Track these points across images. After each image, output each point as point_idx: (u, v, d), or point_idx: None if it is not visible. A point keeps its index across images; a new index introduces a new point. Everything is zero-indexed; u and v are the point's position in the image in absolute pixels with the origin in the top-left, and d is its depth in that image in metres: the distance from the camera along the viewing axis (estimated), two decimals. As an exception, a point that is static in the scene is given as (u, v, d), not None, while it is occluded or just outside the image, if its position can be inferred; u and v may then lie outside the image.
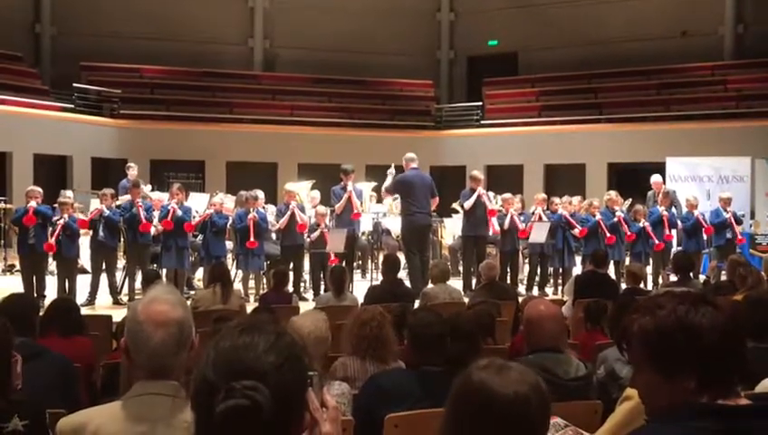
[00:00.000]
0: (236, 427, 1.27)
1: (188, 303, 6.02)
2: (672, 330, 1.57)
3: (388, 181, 10.74)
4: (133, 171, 13.35)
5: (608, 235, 10.89)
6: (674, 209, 11.82)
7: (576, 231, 11.08)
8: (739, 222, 11.91)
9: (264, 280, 10.51)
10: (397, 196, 12.03)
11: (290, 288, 9.12)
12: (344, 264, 9.68)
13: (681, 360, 1.57)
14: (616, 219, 11.07)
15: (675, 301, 1.61)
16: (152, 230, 10.16)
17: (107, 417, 2.00)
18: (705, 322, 1.56)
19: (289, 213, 10.46)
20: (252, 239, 10.10)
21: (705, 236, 11.69)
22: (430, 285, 8.13)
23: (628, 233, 11.06)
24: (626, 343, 1.66)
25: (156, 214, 10.26)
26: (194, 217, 10.43)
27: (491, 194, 11.45)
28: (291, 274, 10.03)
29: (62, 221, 9.36)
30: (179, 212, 10.02)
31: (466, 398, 1.62)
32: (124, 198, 10.98)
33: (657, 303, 1.62)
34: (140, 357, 2.03)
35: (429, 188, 10.36)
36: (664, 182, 13.31)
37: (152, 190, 13.35)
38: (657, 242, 11.09)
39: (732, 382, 1.57)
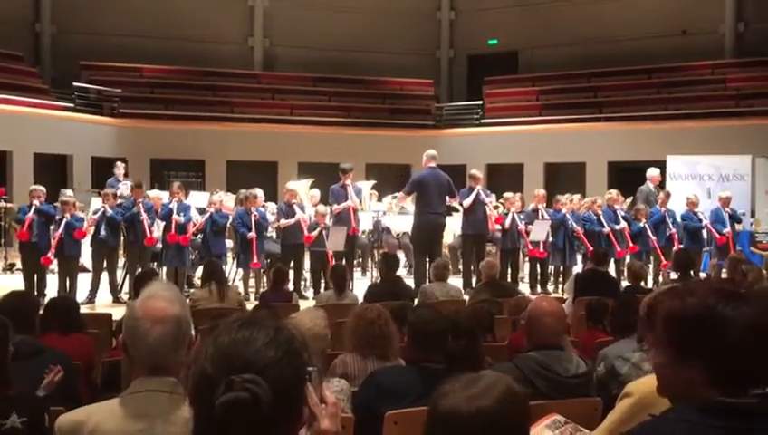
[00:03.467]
0: (236, 420, 1.27)
1: (187, 301, 6.01)
2: (698, 318, 1.57)
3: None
4: (120, 170, 13.45)
5: (618, 250, 10.92)
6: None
7: (578, 233, 11.08)
8: (738, 221, 11.90)
9: (265, 278, 10.51)
10: (396, 195, 12.06)
11: (290, 286, 9.13)
12: (344, 262, 9.68)
13: (700, 350, 1.56)
14: (619, 227, 11.07)
15: (708, 290, 1.59)
16: (155, 239, 10.21)
17: (106, 414, 2.00)
18: (732, 316, 1.54)
19: (294, 220, 10.46)
20: (255, 260, 10.12)
21: (705, 235, 11.69)
22: (428, 283, 8.13)
23: (631, 245, 11.04)
24: (650, 322, 1.66)
25: (156, 218, 10.28)
26: (194, 222, 10.48)
27: (487, 191, 11.42)
28: (291, 272, 10.04)
29: (60, 231, 9.38)
30: (182, 220, 10.04)
31: (440, 428, 1.60)
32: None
33: (690, 289, 1.61)
34: (139, 354, 2.03)
35: (445, 188, 10.17)
36: (663, 178, 13.30)
37: (149, 189, 13.39)
38: (663, 261, 11.02)
39: (748, 381, 1.54)
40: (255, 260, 10.12)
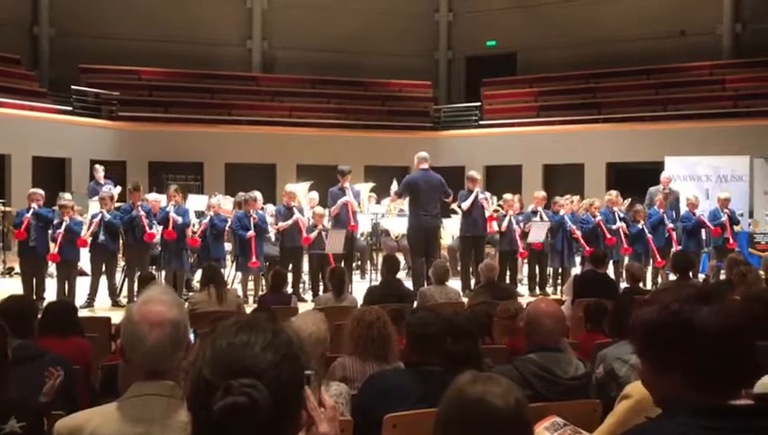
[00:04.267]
0: (234, 425, 1.26)
1: (185, 305, 6.00)
2: (665, 325, 1.57)
3: (395, 185, 10.67)
4: (100, 173, 13.56)
5: (608, 236, 10.84)
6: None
7: (575, 235, 11.07)
8: (736, 222, 11.90)
9: (264, 281, 10.51)
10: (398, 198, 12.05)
11: (289, 289, 9.12)
12: (343, 264, 9.68)
13: (673, 356, 1.57)
14: (615, 227, 11.03)
15: (677, 296, 1.59)
16: (156, 238, 10.19)
17: (104, 418, 2.00)
18: (703, 320, 1.54)
19: (292, 221, 10.47)
20: (254, 259, 10.11)
21: (704, 236, 11.70)
22: (427, 286, 8.13)
23: (626, 246, 11.00)
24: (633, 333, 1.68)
25: (154, 219, 10.26)
26: (192, 226, 10.49)
27: (487, 195, 11.43)
28: (290, 275, 10.04)
29: (61, 230, 9.37)
30: (179, 220, 10.04)
31: (465, 413, 1.65)
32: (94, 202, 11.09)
33: (659, 296, 1.62)
34: (136, 358, 2.03)
35: (437, 189, 10.14)
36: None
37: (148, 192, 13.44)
38: (658, 259, 11.02)
39: (732, 382, 1.54)
40: (254, 259, 10.11)
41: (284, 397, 1.31)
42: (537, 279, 11.24)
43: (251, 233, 10.12)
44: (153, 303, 2.06)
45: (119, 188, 13.05)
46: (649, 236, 11.09)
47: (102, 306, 9.61)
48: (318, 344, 3.66)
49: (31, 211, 9.43)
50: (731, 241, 11.37)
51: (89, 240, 9.78)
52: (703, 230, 11.66)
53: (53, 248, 9.42)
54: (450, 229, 12.71)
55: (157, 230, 10.21)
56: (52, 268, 10.46)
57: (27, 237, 9.38)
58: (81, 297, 9.50)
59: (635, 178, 15.57)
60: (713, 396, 1.52)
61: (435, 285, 7.68)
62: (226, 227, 10.61)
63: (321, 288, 10.07)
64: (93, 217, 10.15)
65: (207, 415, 1.27)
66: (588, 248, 10.71)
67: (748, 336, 1.58)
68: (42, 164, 16.75)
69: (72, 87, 18.30)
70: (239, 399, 1.26)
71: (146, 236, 9.90)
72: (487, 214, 10.93)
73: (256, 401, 1.26)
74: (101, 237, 9.73)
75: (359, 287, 10.02)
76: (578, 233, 11.05)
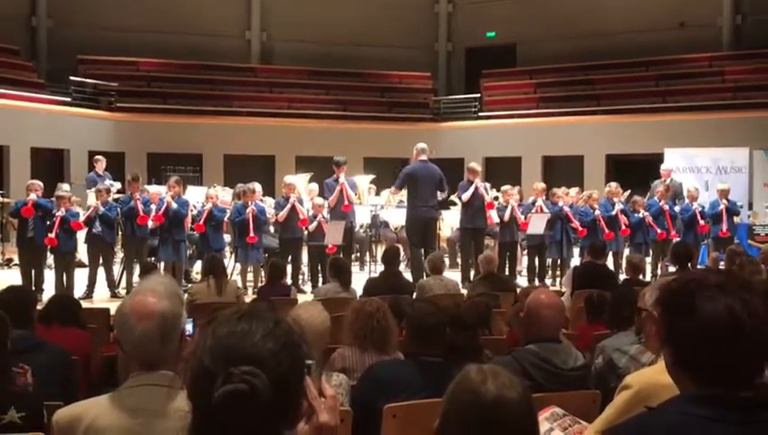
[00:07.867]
0: (234, 412, 1.26)
1: (185, 296, 5.98)
2: (673, 301, 1.57)
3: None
4: (102, 164, 13.52)
5: (606, 231, 10.84)
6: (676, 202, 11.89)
7: (574, 224, 11.08)
8: (735, 213, 11.89)
9: (263, 273, 10.50)
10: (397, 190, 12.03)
11: (288, 281, 9.12)
12: (342, 256, 9.68)
13: (668, 333, 1.57)
14: (614, 212, 11.04)
15: (699, 277, 1.57)
16: (149, 224, 10.14)
17: (103, 408, 2.00)
18: (701, 305, 1.51)
19: (289, 206, 10.45)
20: (252, 234, 10.08)
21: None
22: (425, 277, 8.13)
23: (624, 227, 11.03)
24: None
25: (153, 207, 10.23)
26: (192, 210, 10.47)
27: (487, 185, 11.44)
28: (289, 266, 10.03)
29: (60, 214, 9.36)
30: (174, 205, 10.01)
31: (484, 413, 1.69)
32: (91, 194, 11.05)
33: (697, 272, 1.63)
34: (128, 348, 2.04)
35: (436, 182, 10.12)
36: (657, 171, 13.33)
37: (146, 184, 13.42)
38: (659, 232, 11.05)
39: (733, 374, 1.51)
40: (252, 234, 10.09)
41: (285, 385, 1.31)
42: (536, 271, 11.25)
43: (250, 210, 10.07)
44: (144, 294, 2.06)
45: (118, 184, 13.03)
46: (647, 215, 11.08)
47: (101, 298, 9.61)
48: (324, 335, 3.67)
49: (30, 201, 9.39)
50: (723, 229, 11.38)
51: (84, 229, 9.75)
52: (702, 221, 11.67)
53: (54, 231, 9.36)
54: (450, 221, 12.70)
55: (152, 219, 10.16)
56: (50, 260, 10.45)
57: (34, 218, 9.33)
58: (79, 289, 9.50)
59: (634, 170, 15.57)
60: (705, 387, 1.50)
61: (432, 275, 7.67)
62: (225, 219, 10.60)
63: (321, 280, 10.06)
64: (87, 208, 10.15)
65: (208, 403, 1.27)
66: (581, 229, 10.82)
67: (748, 337, 1.49)
68: (40, 155, 16.74)
69: (71, 78, 18.27)
70: (239, 386, 1.26)
71: (139, 219, 9.86)
72: (487, 200, 10.88)
73: (256, 388, 1.26)
74: (98, 229, 9.71)
75: (358, 279, 9.99)
76: (576, 223, 11.05)
